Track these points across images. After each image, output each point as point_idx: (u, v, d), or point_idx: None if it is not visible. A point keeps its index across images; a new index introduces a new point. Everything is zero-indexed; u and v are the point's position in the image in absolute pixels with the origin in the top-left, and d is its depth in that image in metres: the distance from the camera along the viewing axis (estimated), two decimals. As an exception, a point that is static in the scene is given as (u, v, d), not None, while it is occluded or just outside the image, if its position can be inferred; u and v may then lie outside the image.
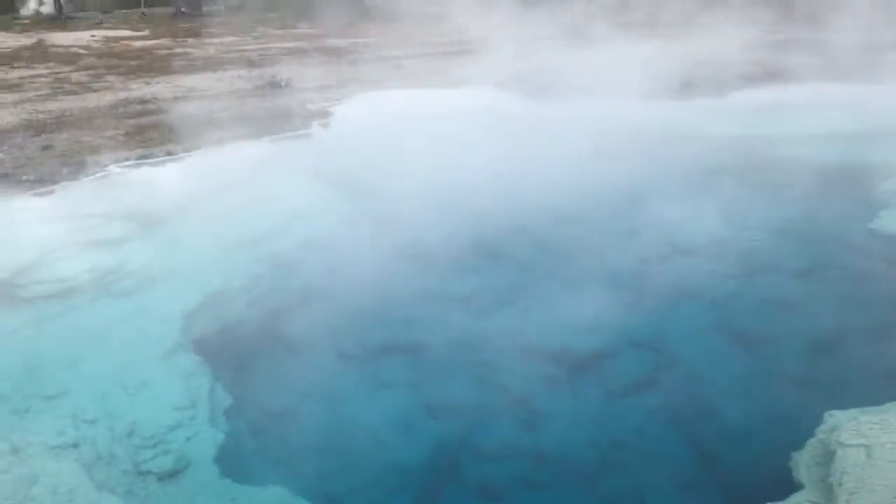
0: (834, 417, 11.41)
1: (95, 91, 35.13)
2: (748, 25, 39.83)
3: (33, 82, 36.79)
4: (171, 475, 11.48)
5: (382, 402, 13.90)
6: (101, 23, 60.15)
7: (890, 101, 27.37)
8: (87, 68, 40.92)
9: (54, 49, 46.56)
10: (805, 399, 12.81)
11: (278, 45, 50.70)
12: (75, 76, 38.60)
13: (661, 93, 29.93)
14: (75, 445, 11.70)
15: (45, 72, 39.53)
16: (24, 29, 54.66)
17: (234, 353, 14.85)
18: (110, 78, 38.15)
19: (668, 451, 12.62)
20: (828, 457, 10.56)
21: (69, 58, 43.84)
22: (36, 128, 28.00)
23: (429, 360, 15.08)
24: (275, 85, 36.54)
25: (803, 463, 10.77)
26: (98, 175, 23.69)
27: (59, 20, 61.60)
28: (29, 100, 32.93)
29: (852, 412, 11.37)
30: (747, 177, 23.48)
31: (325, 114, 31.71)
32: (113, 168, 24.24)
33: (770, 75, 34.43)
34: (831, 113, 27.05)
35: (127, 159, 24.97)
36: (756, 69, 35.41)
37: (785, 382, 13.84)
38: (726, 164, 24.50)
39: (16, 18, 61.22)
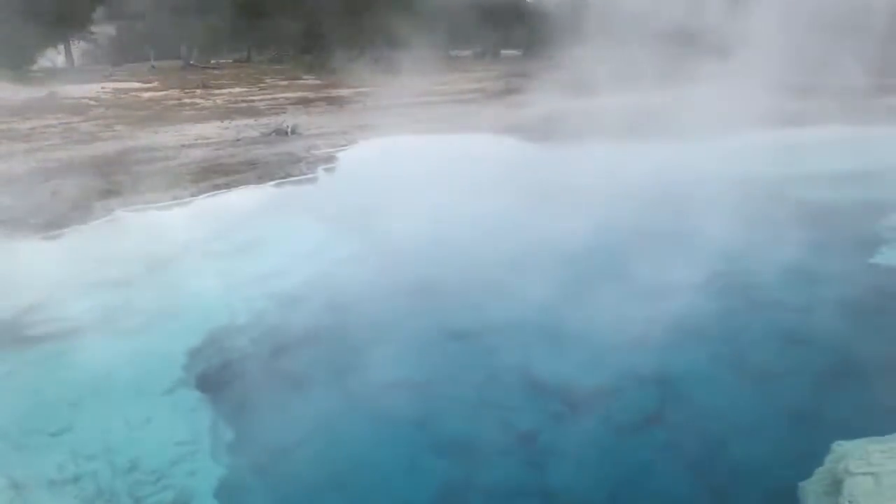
0: (842, 447, 11.32)
1: (104, 140, 35.75)
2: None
3: (44, 132, 37.46)
4: (172, 510, 11.37)
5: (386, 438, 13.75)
6: (112, 75, 61.44)
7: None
8: (96, 118, 41.67)
9: (65, 100, 47.44)
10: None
11: (284, 94, 51.73)
12: (84, 126, 39.30)
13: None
14: (76, 480, 11.63)
15: (55, 122, 40.27)
16: (37, 81, 55.85)
17: (237, 389, 14.81)
18: (119, 127, 38.83)
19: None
20: (836, 485, 10.44)
21: (79, 108, 44.67)
22: (45, 175, 28.47)
23: (436, 398, 14.94)
24: (281, 132, 37.17)
25: (812, 492, 10.62)
26: (105, 219, 24.03)
27: (70, 73, 62.97)
28: (39, 149, 33.50)
29: (860, 442, 11.29)
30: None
31: (329, 159, 32.21)
32: (120, 212, 24.59)
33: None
34: None
35: (134, 204, 25.35)
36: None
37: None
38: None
39: (30, 71, 62.52)
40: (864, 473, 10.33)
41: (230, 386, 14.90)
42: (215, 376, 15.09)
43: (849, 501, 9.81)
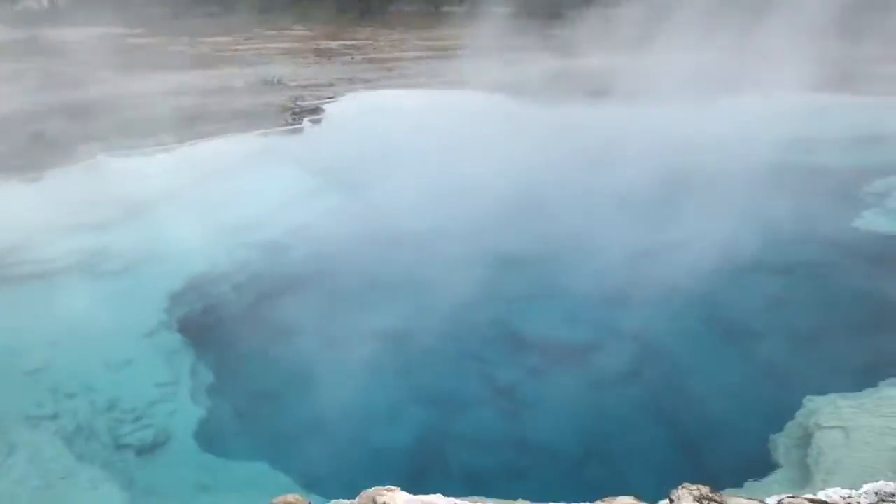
0: (813, 402, 11.50)
1: (87, 85, 35.05)
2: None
3: (25, 75, 36.72)
4: (151, 449, 11.43)
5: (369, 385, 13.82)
6: (97, 20, 60.04)
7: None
8: (80, 63, 40.81)
9: (48, 43, 46.46)
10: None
11: (272, 45, 50.84)
12: (68, 70, 38.51)
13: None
14: (54, 417, 11.67)
15: (37, 65, 39.46)
16: (20, 22, 54.59)
17: (217, 333, 14.82)
18: (103, 73, 38.06)
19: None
20: (806, 439, 10.63)
21: (63, 52, 43.72)
22: (26, 117, 27.96)
23: (416, 352, 14.98)
24: (268, 83, 36.61)
25: (782, 444, 10.82)
26: (87, 163, 23.68)
27: (55, 16, 61.51)
28: (21, 91, 32.84)
29: (831, 397, 11.48)
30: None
31: (316, 110, 31.81)
32: (102, 157, 24.23)
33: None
34: None
35: (116, 149, 24.98)
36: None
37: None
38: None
39: (12, 12, 61.05)
40: (833, 427, 10.52)
41: (211, 330, 14.91)
42: (196, 321, 15.10)
43: (818, 454, 9.99)
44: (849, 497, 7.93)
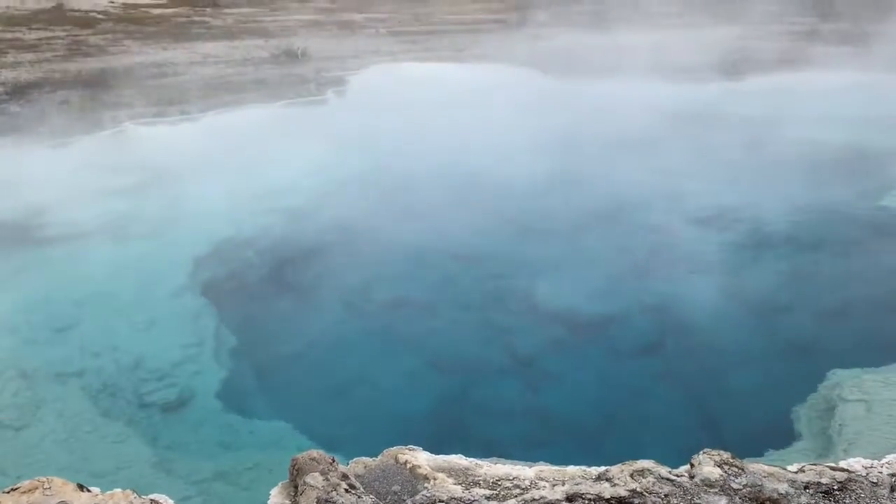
0: (837, 375, 11.45)
1: (112, 54, 35.23)
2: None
3: (51, 44, 36.93)
4: (175, 407, 11.61)
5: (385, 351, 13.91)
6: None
7: None
8: (104, 32, 41.02)
9: (72, 13, 46.65)
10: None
11: (296, 17, 50.70)
12: (93, 39, 38.69)
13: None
14: (81, 374, 11.89)
15: (62, 34, 39.65)
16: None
17: (241, 297, 14.96)
18: (127, 42, 38.23)
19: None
20: (829, 411, 10.60)
21: (87, 22, 43.95)
22: (53, 85, 28.23)
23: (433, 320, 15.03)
24: (291, 54, 36.60)
25: (804, 416, 10.79)
26: (114, 130, 23.95)
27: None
28: (47, 59, 33.06)
29: (855, 371, 11.42)
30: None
31: (340, 82, 31.82)
32: (128, 125, 24.49)
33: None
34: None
35: (142, 117, 25.22)
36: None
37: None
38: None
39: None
40: (857, 400, 10.48)
41: (234, 294, 15.04)
42: (220, 284, 15.22)
43: (839, 425, 9.96)
44: (871, 466, 7.90)
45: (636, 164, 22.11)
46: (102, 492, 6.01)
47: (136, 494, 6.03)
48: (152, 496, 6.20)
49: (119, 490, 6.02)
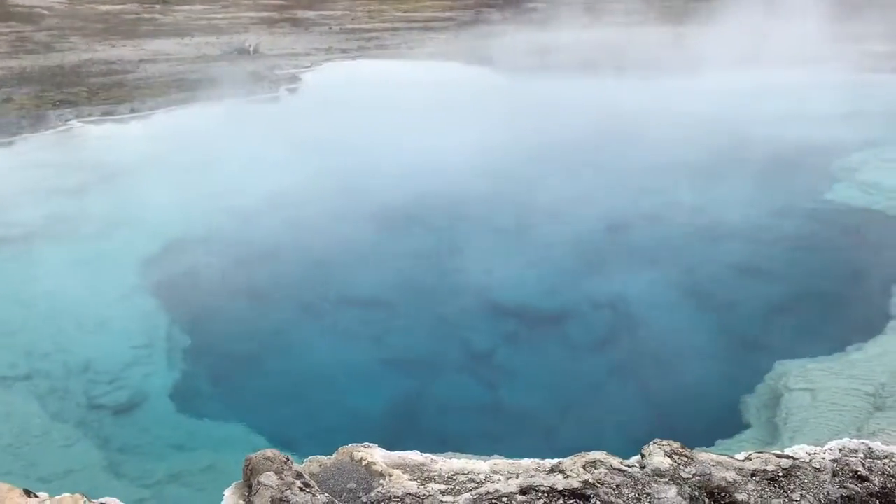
0: (783, 366, 11.73)
1: (58, 51, 34.49)
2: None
3: (-5, 40, 36.04)
4: (127, 409, 11.41)
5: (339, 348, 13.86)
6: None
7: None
8: (50, 28, 40.11)
9: (17, 8, 45.53)
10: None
11: (247, 14, 50.19)
12: (38, 36, 37.83)
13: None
14: (28, 378, 11.62)
15: (5, 30, 38.69)
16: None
17: (192, 297, 14.75)
18: (74, 39, 37.45)
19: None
20: (775, 400, 10.88)
21: (32, 17, 42.94)
22: (-3, 82, 27.54)
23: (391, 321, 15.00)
24: (243, 52, 36.23)
25: (752, 405, 11.05)
26: (60, 129, 23.40)
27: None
28: (-11, 56, 32.26)
29: (801, 361, 11.71)
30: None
31: (293, 79, 31.56)
32: (75, 123, 23.95)
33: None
34: None
35: (90, 115, 24.69)
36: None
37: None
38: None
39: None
40: (802, 389, 10.77)
41: (186, 295, 14.81)
42: (171, 284, 14.99)
43: (786, 413, 10.23)
44: (814, 453, 8.15)
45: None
46: (51, 496, 5.92)
47: (85, 498, 5.94)
48: (103, 500, 6.13)
49: (68, 494, 5.93)
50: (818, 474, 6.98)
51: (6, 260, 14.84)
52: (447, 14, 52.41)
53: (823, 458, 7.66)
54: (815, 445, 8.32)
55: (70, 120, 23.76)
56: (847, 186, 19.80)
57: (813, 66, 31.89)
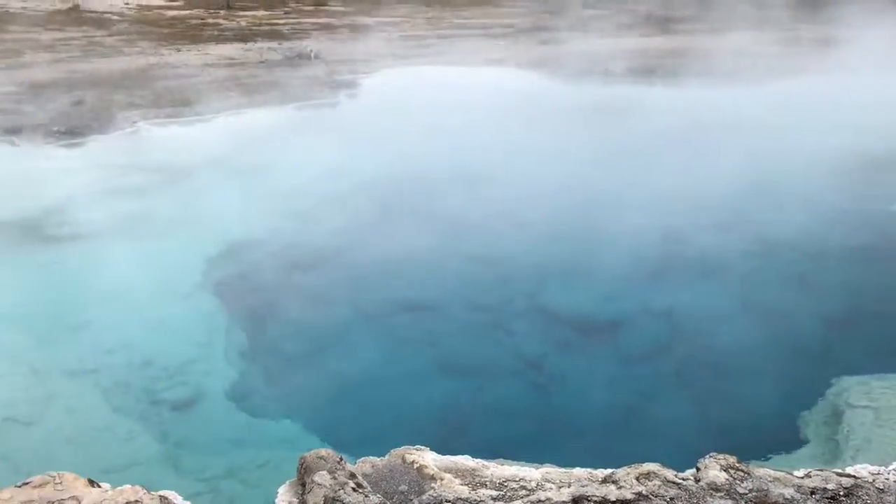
0: (844, 382, 11.44)
1: (127, 55, 35.52)
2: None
3: (67, 44, 37.29)
4: (186, 405, 11.69)
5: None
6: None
7: None
8: (119, 33, 41.38)
9: (88, 14, 47.11)
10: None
11: (309, 20, 51.00)
12: (108, 40, 39.05)
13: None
14: (93, 372, 11.99)
15: (78, 35, 40.04)
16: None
17: (252, 298, 15.03)
18: (142, 43, 38.54)
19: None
20: (836, 417, 10.60)
21: (103, 23, 44.37)
22: (68, 85, 28.46)
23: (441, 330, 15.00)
24: (304, 57, 36.81)
25: (811, 421, 10.79)
26: (127, 130, 24.14)
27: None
28: (62, 60, 33.40)
29: (863, 377, 11.40)
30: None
31: (352, 84, 31.97)
32: (142, 125, 24.68)
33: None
34: None
35: (156, 117, 25.40)
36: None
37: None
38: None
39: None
40: (864, 407, 10.47)
41: (246, 295, 15.10)
42: (232, 284, 15.30)
43: (847, 431, 9.96)
44: (877, 473, 7.91)
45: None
46: (112, 487, 6.12)
47: (145, 490, 6.13)
48: (161, 492, 6.30)
49: (129, 486, 6.12)
50: (882, 495, 6.77)
51: (76, 257, 15.36)
52: (507, 21, 52.45)
53: (888, 479, 7.42)
54: (879, 465, 8.08)
55: (137, 122, 24.47)
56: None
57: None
